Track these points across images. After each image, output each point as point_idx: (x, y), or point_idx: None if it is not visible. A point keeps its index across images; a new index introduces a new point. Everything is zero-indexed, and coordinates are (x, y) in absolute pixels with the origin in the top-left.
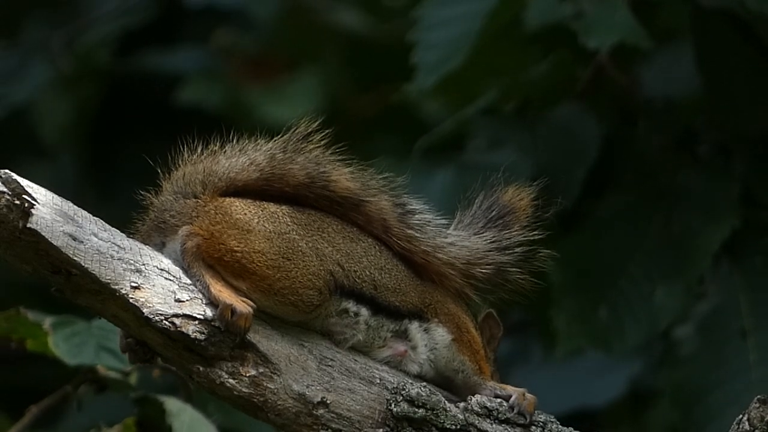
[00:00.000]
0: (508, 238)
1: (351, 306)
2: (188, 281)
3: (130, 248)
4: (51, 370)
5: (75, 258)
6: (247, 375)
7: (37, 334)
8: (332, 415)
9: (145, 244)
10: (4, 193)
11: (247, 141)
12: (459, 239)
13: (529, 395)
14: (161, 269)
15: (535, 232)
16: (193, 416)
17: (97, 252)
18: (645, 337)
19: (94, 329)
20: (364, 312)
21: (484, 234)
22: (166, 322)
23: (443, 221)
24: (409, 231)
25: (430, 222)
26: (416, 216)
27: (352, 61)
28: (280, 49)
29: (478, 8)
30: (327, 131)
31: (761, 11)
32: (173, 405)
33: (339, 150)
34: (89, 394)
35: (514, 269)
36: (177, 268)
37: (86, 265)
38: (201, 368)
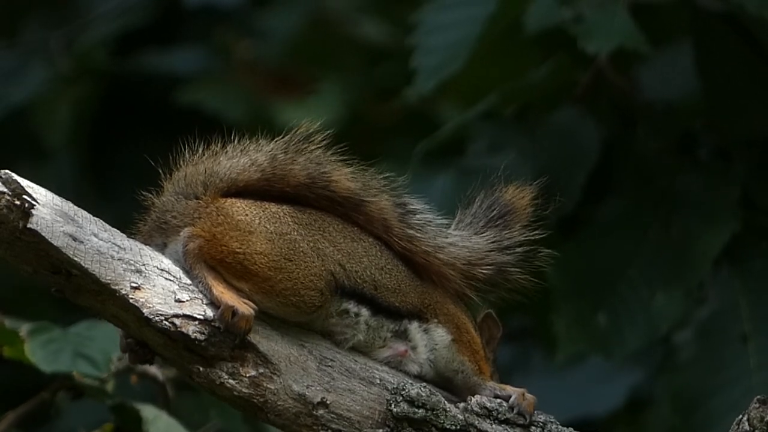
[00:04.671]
0: (509, 238)
1: (351, 306)
2: (188, 281)
3: (131, 248)
4: (29, 374)
5: (75, 258)
6: (247, 375)
7: (14, 340)
8: (332, 415)
9: (147, 245)
10: (4, 193)
11: (248, 142)
12: (460, 239)
13: (528, 395)
14: (161, 269)
15: (535, 232)
16: (168, 423)
17: (97, 252)
18: (645, 343)
19: (70, 336)
20: (365, 312)
21: (485, 234)
22: (166, 323)
23: (444, 221)
24: (410, 231)
25: (431, 222)
26: (417, 216)
27: (372, 71)
28: (302, 62)
29: (478, 13)
30: (330, 133)
31: (761, 15)
32: (149, 412)
33: (342, 151)
34: (66, 401)
35: (514, 269)
36: (177, 268)
37: (86, 266)
38: (201, 368)
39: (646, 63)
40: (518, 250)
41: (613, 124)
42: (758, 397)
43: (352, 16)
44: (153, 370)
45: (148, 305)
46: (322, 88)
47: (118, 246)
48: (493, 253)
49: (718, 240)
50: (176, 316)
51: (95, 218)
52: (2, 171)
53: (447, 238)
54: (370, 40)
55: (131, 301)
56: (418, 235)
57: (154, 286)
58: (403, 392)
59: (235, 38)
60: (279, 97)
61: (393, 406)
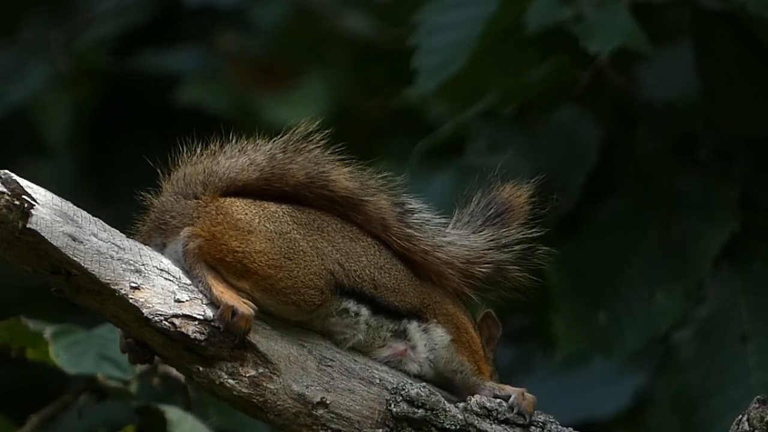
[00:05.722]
0: (507, 236)
1: (351, 306)
2: (188, 281)
3: (130, 248)
4: (52, 374)
5: (75, 258)
6: (247, 375)
7: (38, 342)
8: (332, 415)
9: (146, 245)
10: (3, 193)
11: (246, 141)
12: (458, 238)
13: (528, 395)
14: (161, 269)
15: (533, 230)
16: (193, 425)
17: (96, 252)
18: (644, 342)
19: (94, 338)
20: (364, 312)
21: (483, 232)
22: (166, 323)
23: (442, 220)
24: (408, 230)
25: (429, 221)
26: (415, 215)
27: (359, 66)
28: (287, 54)
29: (479, 13)
30: (328, 132)
31: (761, 15)
32: (174, 414)
33: (340, 150)
34: (89, 403)
35: (513, 267)
36: (177, 268)
37: (86, 266)
38: (201, 368)
39: (646, 62)
40: (516, 248)
41: (612, 124)
42: (758, 397)
43: (337, 10)
44: (175, 371)
45: (147, 305)
46: (307, 83)
47: (118, 246)
48: (491, 251)
49: (717, 240)
50: (176, 316)
51: (95, 218)
52: (2, 171)
53: (445, 237)
54: (357, 34)
55: (131, 301)
56: (417, 234)
57: (153, 286)
58: (402, 392)
59: (220, 31)
60: (263, 89)
61: (393, 405)
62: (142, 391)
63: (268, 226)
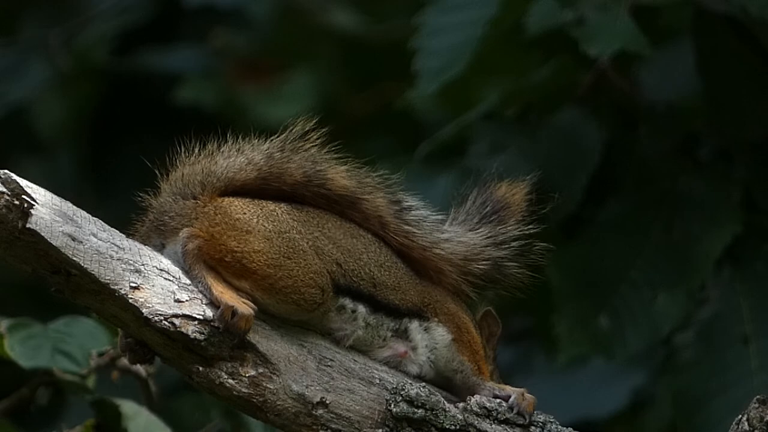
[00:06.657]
0: (504, 233)
1: (348, 303)
2: (188, 281)
3: (130, 248)
4: (8, 373)
5: (74, 258)
6: (247, 375)
7: None
8: (331, 415)
9: (144, 245)
10: (3, 193)
11: (244, 141)
12: (455, 235)
13: (528, 395)
14: (161, 269)
15: (531, 227)
16: (148, 419)
17: (96, 252)
18: (646, 344)
19: (50, 332)
20: (362, 309)
21: (480, 230)
22: (166, 323)
23: (439, 217)
24: (406, 227)
25: (426, 218)
26: (413, 212)
27: (346, 62)
28: (274, 50)
29: (480, 15)
30: (323, 131)
31: (762, 16)
32: (129, 408)
33: (334, 149)
34: (46, 397)
35: (511, 264)
36: (176, 268)
37: (85, 266)
38: (201, 368)
39: (648, 64)
40: (513, 244)
41: (614, 126)
42: (758, 396)
43: (324, 5)
44: (135, 366)
45: (147, 305)
46: (295, 78)
47: (117, 246)
48: (488, 248)
49: (719, 241)
50: (176, 315)
51: (94, 218)
52: (1, 171)
53: (443, 234)
54: (343, 30)
55: (130, 300)
56: (415, 230)
57: (153, 285)
58: (402, 392)
59: (212, 28)
60: (249, 85)
61: (392, 406)
62: (102, 385)
63: (266, 225)
